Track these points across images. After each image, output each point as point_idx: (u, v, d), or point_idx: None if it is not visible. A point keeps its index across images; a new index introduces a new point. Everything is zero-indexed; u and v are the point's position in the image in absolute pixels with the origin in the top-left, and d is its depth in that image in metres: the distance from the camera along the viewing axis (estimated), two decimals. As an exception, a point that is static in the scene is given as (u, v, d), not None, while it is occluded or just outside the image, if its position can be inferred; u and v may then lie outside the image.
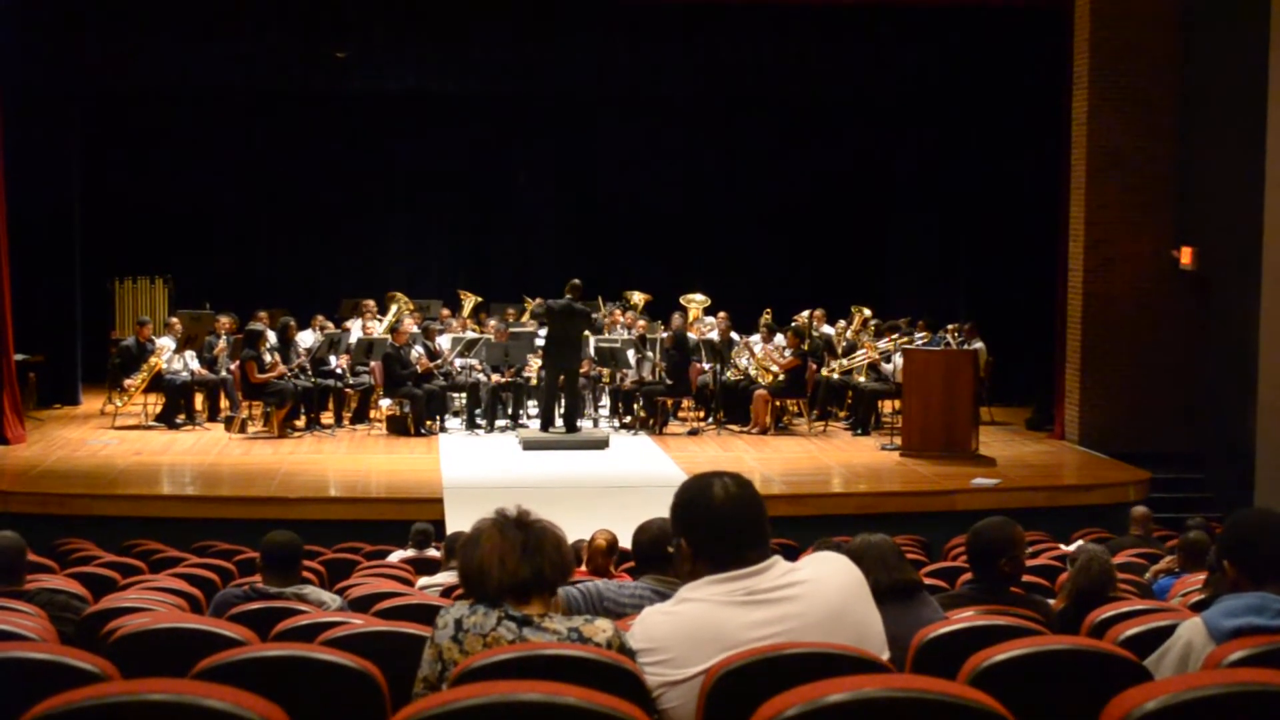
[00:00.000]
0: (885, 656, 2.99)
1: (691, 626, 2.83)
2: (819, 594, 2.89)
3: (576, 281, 14.45)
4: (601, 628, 3.20)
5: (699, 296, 17.74)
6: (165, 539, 10.37)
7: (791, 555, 2.99)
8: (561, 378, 14.42)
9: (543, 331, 15.05)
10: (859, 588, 2.98)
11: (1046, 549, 9.60)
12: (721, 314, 16.78)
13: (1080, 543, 6.01)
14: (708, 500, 2.95)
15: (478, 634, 3.16)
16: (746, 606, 2.83)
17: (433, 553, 9.08)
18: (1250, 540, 3.72)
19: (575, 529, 8.32)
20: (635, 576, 5.26)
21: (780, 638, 2.82)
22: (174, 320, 16.44)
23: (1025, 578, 7.21)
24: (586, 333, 15.12)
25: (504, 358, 15.43)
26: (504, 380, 15.53)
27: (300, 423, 15.21)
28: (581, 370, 15.39)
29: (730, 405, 15.93)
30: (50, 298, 16.64)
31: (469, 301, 18.71)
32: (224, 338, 15.76)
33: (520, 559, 3.20)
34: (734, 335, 16.41)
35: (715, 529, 2.92)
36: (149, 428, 15.19)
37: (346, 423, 15.55)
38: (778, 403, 15.59)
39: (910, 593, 4.51)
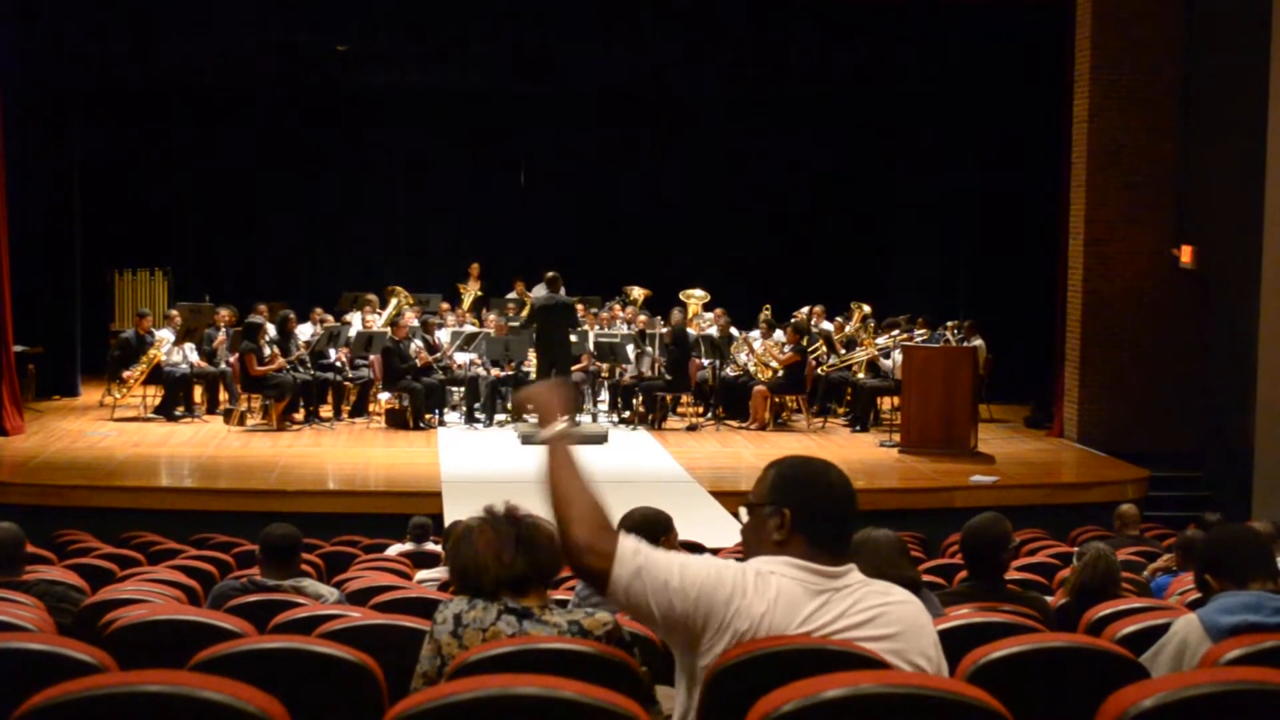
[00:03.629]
0: None
1: (780, 597, 2.75)
2: (889, 609, 2.83)
3: (553, 274, 14.53)
4: (602, 620, 3.19)
5: (698, 292, 17.73)
6: (163, 531, 10.38)
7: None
8: (553, 372, 14.45)
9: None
10: (926, 622, 2.90)
11: (1044, 546, 9.60)
12: (718, 310, 16.78)
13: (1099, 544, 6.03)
14: (826, 480, 2.91)
15: (477, 629, 3.16)
16: (821, 598, 2.78)
17: (431, 546, 9.08)
18: (1227, 549, 3.83)
19: (573, 523, 8.34)
20: None
21: (841, 635, 2.77)
22: (173, 313, 16.44)
23: (1023, 575, 7.24)
24: (582, 326, 15.14)
25: (504, 352, 15.43)
26: (503, 375, 15.52)
27: (299, 416, 15.21)
28: (580, 365, 15.38)
29: (729, 401, 15.94)
30: (50, 289, 16.63)
31: (469, 296, 18.75)
32: (223, 330, 15.77)
33: (516, 553, 3.19)
34: (733, 331, 16.41)
35: (825, 508, 2.88)
36: (148, 420, 15.19)
37: (345, 416, 15.55)
38: (777, 399, 15.59)
39: (909, 590, 4.49)
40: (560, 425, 2.88)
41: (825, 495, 2.89)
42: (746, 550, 2.93)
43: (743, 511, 2.98)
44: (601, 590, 2.70)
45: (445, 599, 3.32)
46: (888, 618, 2.81)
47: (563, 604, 3.53)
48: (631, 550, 2.73)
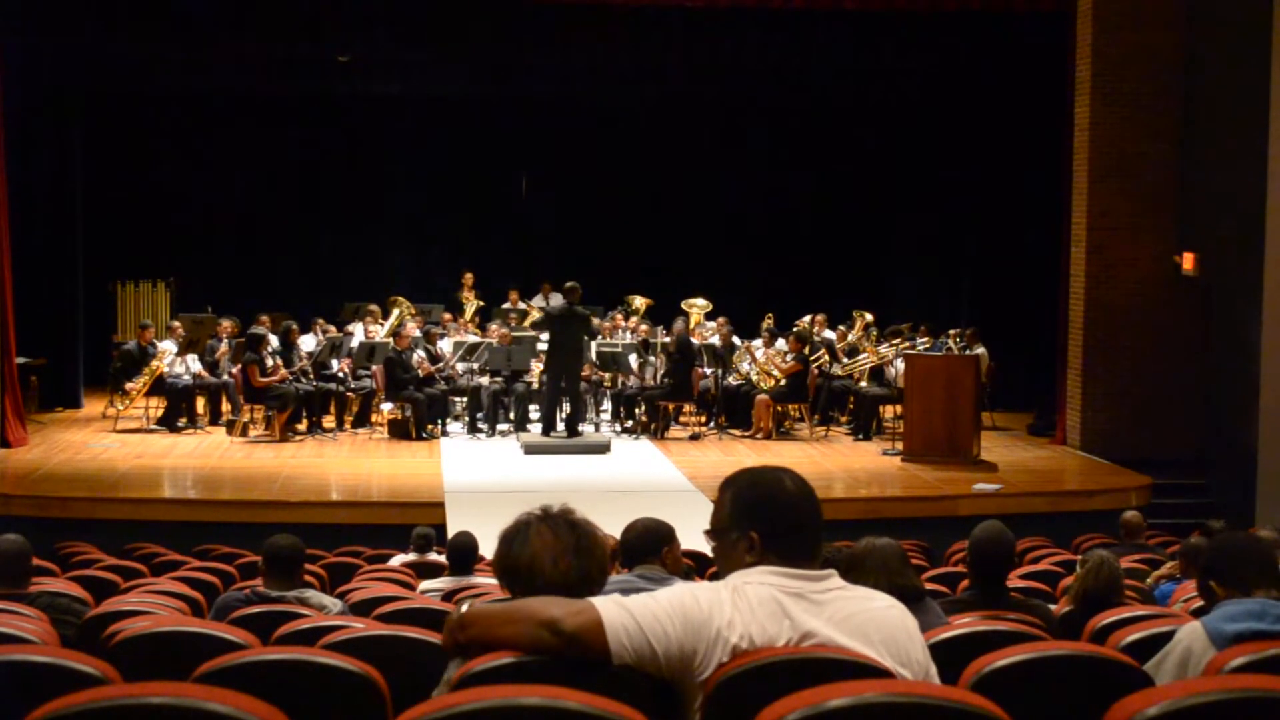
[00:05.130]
0: None
1: (760, 606, 2.73)
2: (872, 615, 2.81)
3: (572, 284, 14.52)
4: None
5: (700, 301, 17.74)
6: (166, 542, 10.38)
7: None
8: (563, 382, 14.45)
9: (545, 336, 15.07)
10: (912, 628, 2.87)
11: (1048, 554, 9.59)
12: (721, 319, 16.79)
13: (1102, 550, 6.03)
14: (784, 493, 2.85)
15: None
16: (802, 603, 2.76)
17: (434, 556, 9.07)
18: (1231, 556, 3.82)
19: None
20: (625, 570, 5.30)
21: (826, 641, 2.75)
22: (175, 324, 16.45)
23: (1026, 583, 7.23)
24: (585, 337, 15.13)
25: (506, 362, 15.43)
26: (494, 382, 15.42)
27: (302, 426, 15.22)
28: (583, 374, 15.38)
29: (732, 410, 15.94)
30: (52, 300, 16.65)
31: (470, 306, 18.76)
32: (225, 341, 15.78)
33: (573, 560, 3.16)
34: (735, 340, 16.42)
35: (790, 522, 2.83)
36: (150, 431, 15.20)
37: (348, 426, 15.55)
38: (779, 407, 15.59)
39: (912, 599, 4.48)
40: (460, 612, 2.87)
41: (789, 508, 2.85)
42: (721, 572, 2.91)
43: (706, 538, 2.97)
44: (604, 654, 2.67)
45: (454, 610, 3.29)
46: (871, 623, 2.78)
47: None
48: (614, 603, 2.73)
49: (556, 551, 3.13)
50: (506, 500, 9.59)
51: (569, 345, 14.42)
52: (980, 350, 15.57)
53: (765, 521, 2.83)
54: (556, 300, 14.29)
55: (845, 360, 16.17)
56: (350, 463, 13.74)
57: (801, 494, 2.87)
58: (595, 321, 16.12)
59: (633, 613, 2.70)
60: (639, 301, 18.27)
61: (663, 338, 15.97)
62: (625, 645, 2.67)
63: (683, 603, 2.73)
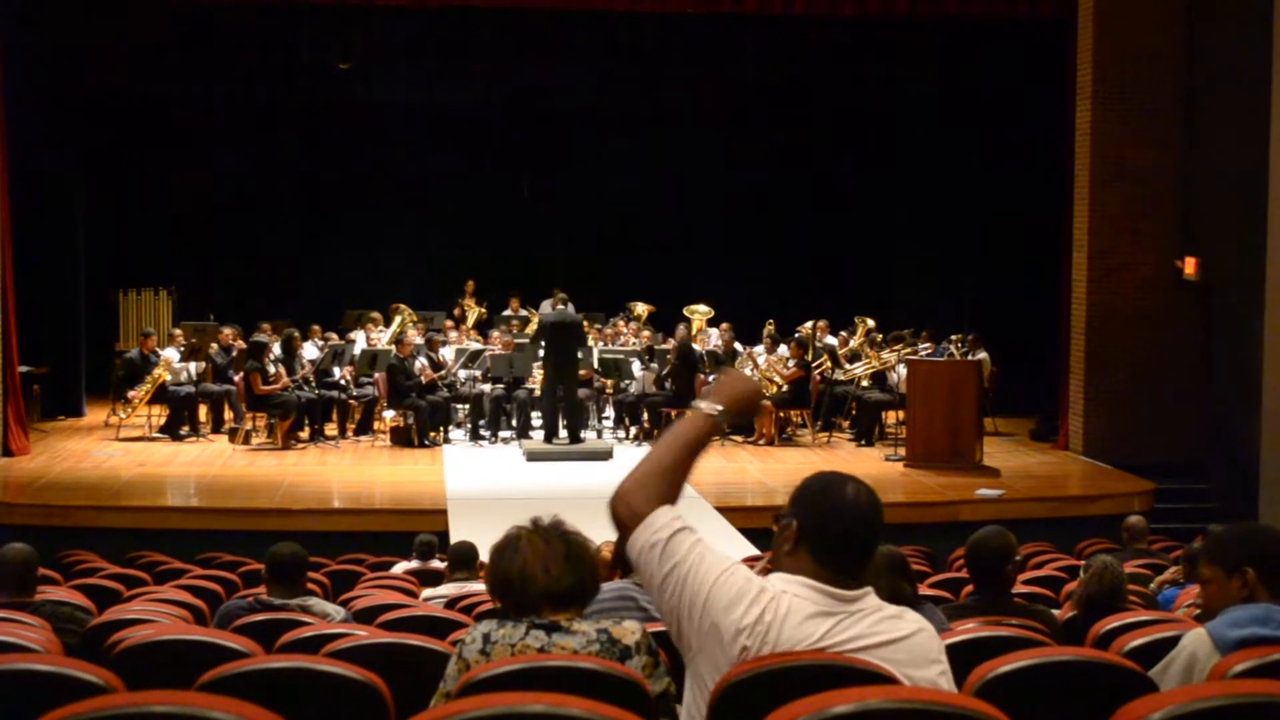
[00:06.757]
0: None
1: (789, 617, 2.74)
2: (898, 640, 2.79)
3: (562, 295, 14.61)
4: (630, 629, 3.17)
5: (702, 307, 17.74)
6: (169, 551, 10.38)
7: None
8: (560, 389, 14.46)
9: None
10: (936, 652, 2.85)
11: (1051, 560, 9.59)
12: (724, 325, 16.79)
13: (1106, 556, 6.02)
14: (840, 496, 2.84)
15: (506, 644, 3.13)
16: (829, 621, 2.76)
17: (437, 564, 9.07)
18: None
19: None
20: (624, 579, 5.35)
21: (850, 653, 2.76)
22: (176, 332, 16.45)
23: (1030, 588, 7.23)
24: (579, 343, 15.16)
25: (509, 369, 15.43)
26: (496, 389, 15.41)
27: (304, 434, 15.21)
28: (582, 374, 15.34)
29: (733, 416, 15.89)
30: (54, 309, 16.64)
31: (472, 313, 18.77)
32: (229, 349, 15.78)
33: (564, 567, 3.17)
34: (737, 346, 16.41)
35: (832, 524, 2.82)
36: (153, 439, 15.19)
37: (350, 434, 15.55)
38: (781, 413, 15.59)
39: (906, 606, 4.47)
40: (715, 408, 2.88)
41: (834, 511, 2.84)
42: (773, 560, 2.93)
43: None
44: (622, 542, 2.77)
45: (457, 617, 3.30)
46: (897, 646, 2.78)
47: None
48: (663, 523, 2.75)
49: (548, 560, 3.15)
50: (509, 507, 9.59)
51: (563, 353, 14.43)
52: (982, 355, 15.56)
53: (809, 515, 2.85)
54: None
55: (847, 366, 16.17)
56: (353, 470, 13.74)
57: (856, 505, 2.85)
58: (586, 325, 16.13)
59: (662, 545, 2.74)
60: (640, 308, 18.27)
61: (665, 344, 15.97)
62: (635, 551, 2.76)
63: (718, 578, 2.75)
